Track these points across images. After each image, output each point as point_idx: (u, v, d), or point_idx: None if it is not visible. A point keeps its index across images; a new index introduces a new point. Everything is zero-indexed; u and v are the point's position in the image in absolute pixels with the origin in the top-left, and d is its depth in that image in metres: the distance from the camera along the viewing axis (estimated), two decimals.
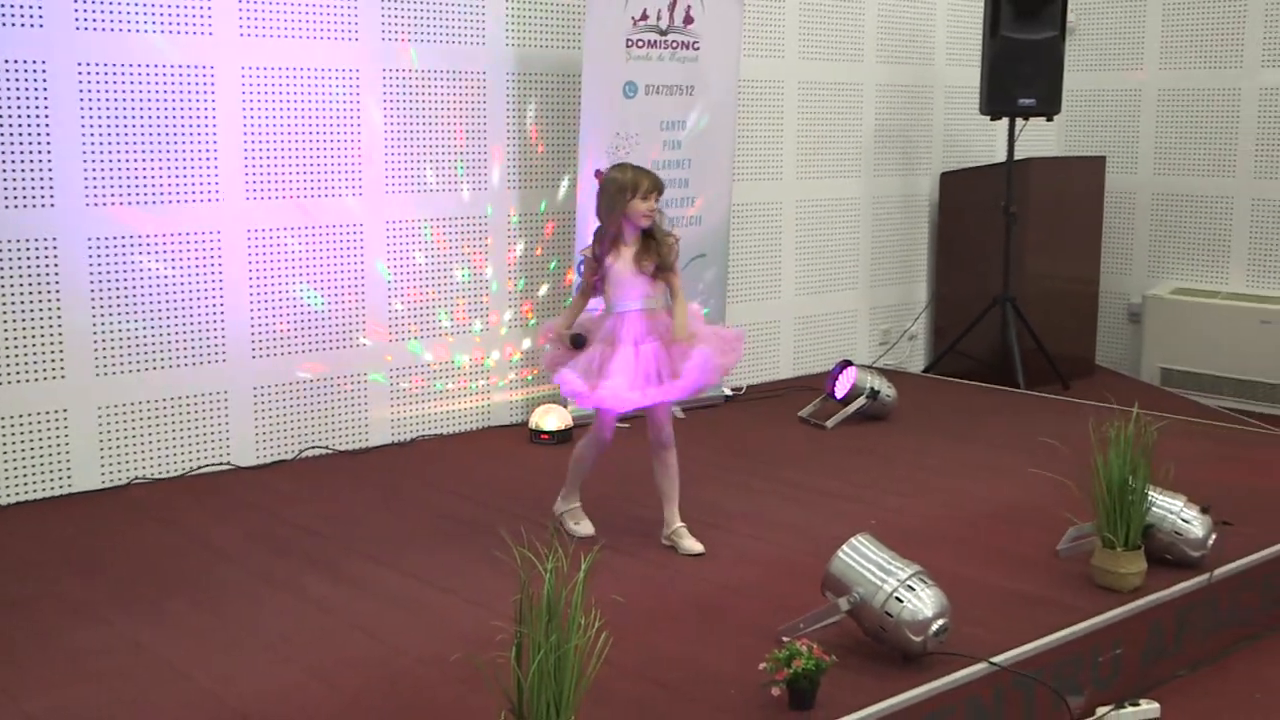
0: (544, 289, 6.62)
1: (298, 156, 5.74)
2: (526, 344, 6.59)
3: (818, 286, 7.95)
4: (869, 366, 7.24)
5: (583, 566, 3.01)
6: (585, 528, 4.76)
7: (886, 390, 6.64)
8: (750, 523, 4.97)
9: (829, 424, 6.51)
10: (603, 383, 4.44)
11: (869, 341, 8.31)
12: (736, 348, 4.51)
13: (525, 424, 6.37)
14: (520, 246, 6.50)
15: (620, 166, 4.55)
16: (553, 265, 6.63)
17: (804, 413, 6.70)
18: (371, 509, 5.14)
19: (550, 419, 6.18)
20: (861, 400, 6.57)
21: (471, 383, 6.43)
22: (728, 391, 7.15)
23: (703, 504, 5.17)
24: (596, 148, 6.21)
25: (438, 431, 6.32)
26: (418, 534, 4.82)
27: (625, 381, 4.44)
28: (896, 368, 8.27)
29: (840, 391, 6.67)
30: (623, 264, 4.49)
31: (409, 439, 6.21)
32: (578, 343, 4.53)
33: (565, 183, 6.60)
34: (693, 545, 4.60)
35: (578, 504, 4.82)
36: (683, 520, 4.67)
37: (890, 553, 3.88)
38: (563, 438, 6.16)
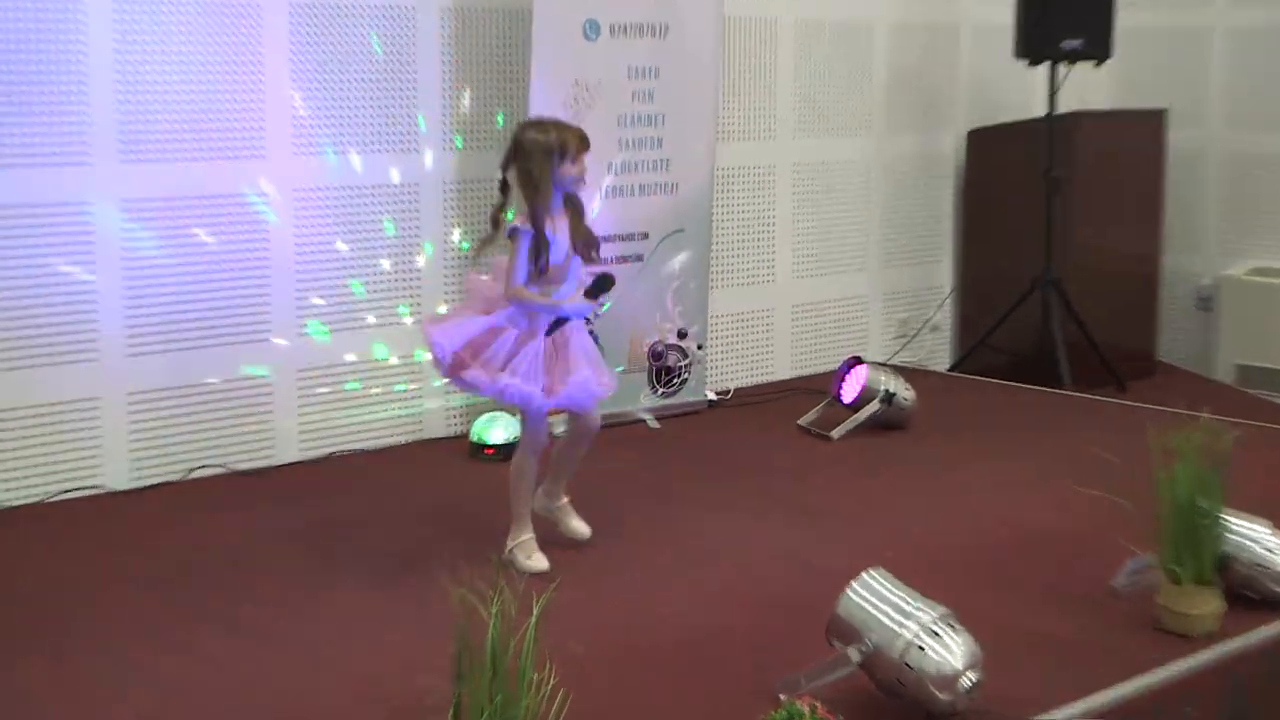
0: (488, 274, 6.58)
1: (183, 109, 5.70)
2: None
3: (820, 268, 7.94)
4: (883, 364, 7.24)
5: (535, 610, 2.99)
6: (538, 562, 4.78)
7: (904, 393, 6.65)
8: (739, 554, 4.96)
9: (835, 434, 6.52)
10: (571, 380, 4.58)
11: (882, 334, 8.31)
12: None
13: (465, 436, 6.35)
14: (460, 219, 6.48)
15: (538, 125, 4.67)
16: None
17: (804, 420, 6.70)
18: (276, 542, 5.11)
19: (496, 430, 6.17)
20: (874, 405, 6.58)
21: (399, 385, 6.41)
22: (711, 395, 7.14)
23: (681, 531, 5.17)
24: (551, 100, 6.18)
25: (357, 446, 6.30)
26: (333, 572, 4.79)
27: (592, 374, 4.62)
28: (916, 365, 8.27)
29: (848, 395, 6.67)
30: (563, 238, 4.64)
31: (322, 455, 6.19)
32: (603, 286, 4.63)
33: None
34: (580, 527, 4.90)
35: (529, 534, 4.85)
36: (602, 533, 4.87)
37: (910, 591, 3.87)
38: (510, 453, 6.06)
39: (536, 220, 4.59)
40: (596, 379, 4.69)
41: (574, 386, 4.61)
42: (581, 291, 4.68)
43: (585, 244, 4.69)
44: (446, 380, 4.79)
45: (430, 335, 4.67)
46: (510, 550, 4.81)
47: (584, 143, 4.63)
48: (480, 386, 4.63)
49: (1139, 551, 4.48)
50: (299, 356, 6.11)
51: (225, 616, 4.41)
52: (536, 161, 4.58)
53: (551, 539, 4.95)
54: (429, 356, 4.80)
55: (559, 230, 4.63)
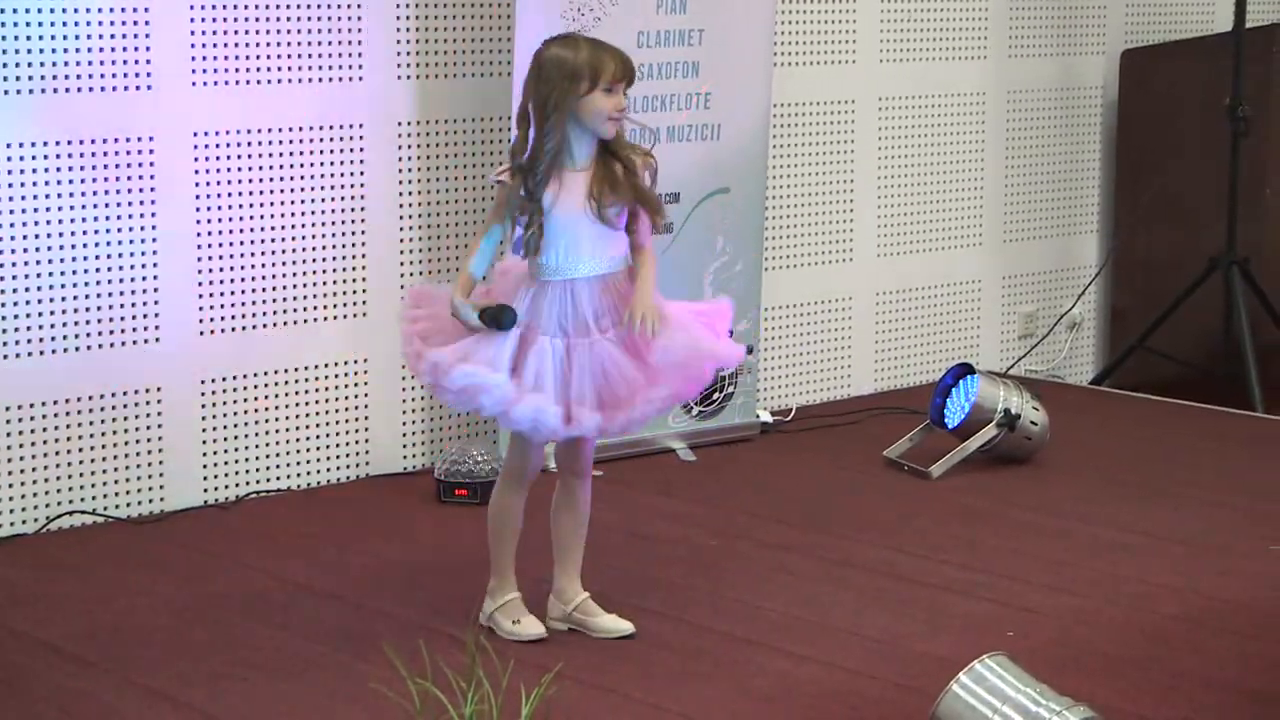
0: (460, 250, 6.61)
1: (35, 27, 5.72)
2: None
3: (916, 243, 7.95)
4: (1002, 375, 7.23)
5: (525, 709, 2.99)
6: (528, 627, 4.84)
7: (1031, 414, 6.65)
8: (805, 636, 4.96)
9: (935, 470, 6.52)
10: (528, 393, 4.59)
11: (1002, 334, 8.30)
12: (723, 335, 4.76)
13: (430, 471, 6.36)
14: (420, 176, 6.48)
15: (567, 40, 4.69)
16: (476, 203, 6.63)
17: (894, 452, 6.71)
18: (166, 614, 5.11)
19: (472, 463, 6.18)
20: (989, 431, 6.58)
21: (340, 405, 6.42)
22: (765, 417, 7.13)
23: (726, 603, 5.16)
24: (541, 17, 6.20)
25: (280, 485, 6.32)
26: (244, 654, 4.78)
27: (552, 395, 4.62)
28: (1048, 377, 8.26)
29: (954, 417, 6.68)
30: (569, 201, 4.65)
31: (232, 499, 6.21)
32: (504, 322, 4.63)
33: (491, 76, 6.59)
34: (615, 624, 4.85)
35: (515, 594, 4.90)
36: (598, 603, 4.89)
37: (1040, 685, 3.87)
38: (490, 494, 6.12)
39: (531, 166, 4.63)
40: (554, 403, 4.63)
41: (528, 403, 4.62)
42: (477, 311, 4.66)
43: (642, 204, 4.69)
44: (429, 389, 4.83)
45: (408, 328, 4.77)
46: (490, 614, 4.85)
47: (625, 69, 4.64)
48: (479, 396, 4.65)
49: None
50: (198, 363, 6.12)
51: (95, 714, 4.39)
52: (555, 87, 4.60)
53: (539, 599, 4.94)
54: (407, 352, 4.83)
55: (565, 191, 4.65)
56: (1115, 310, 8.56)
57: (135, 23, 5.88)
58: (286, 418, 6.31)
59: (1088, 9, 8.38)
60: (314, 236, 6.29)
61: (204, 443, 6.14)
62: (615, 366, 4.66)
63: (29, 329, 5.76)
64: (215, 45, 6.03)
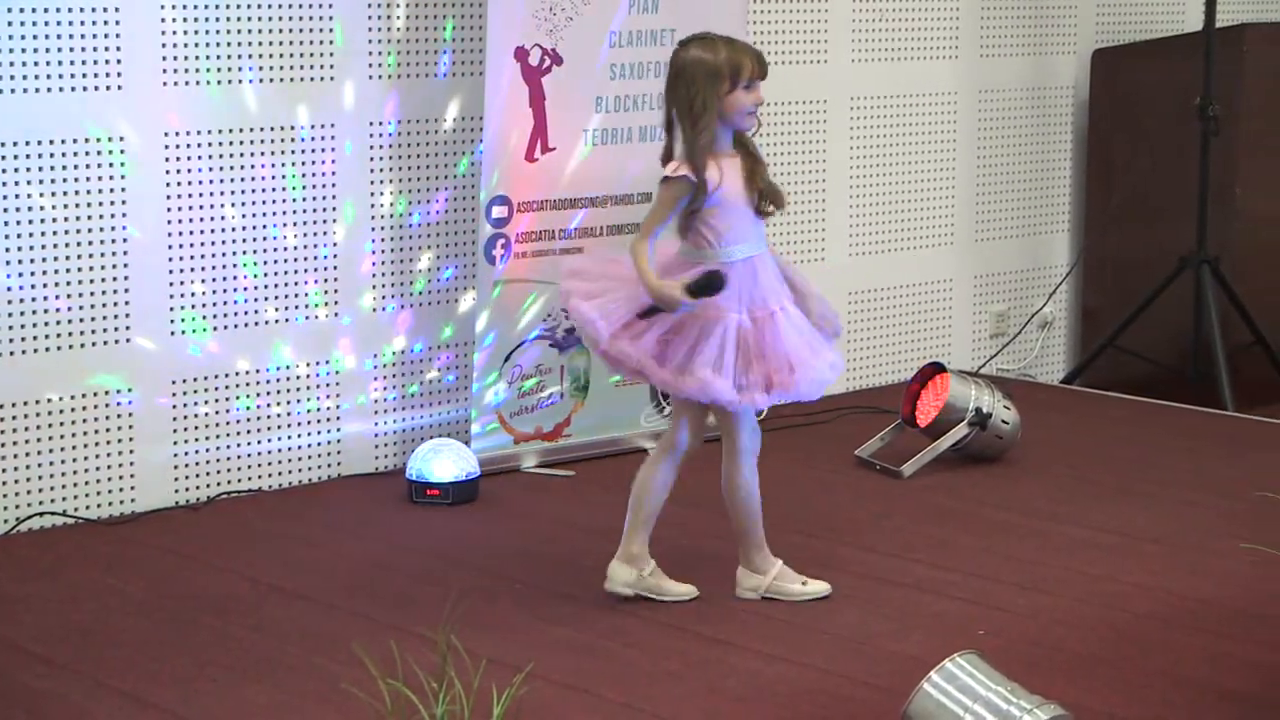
0: (432, 251, 6.60)
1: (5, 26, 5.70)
2: (403, 339, 6.57)
3: (888, 242, 7.94)
4: (973, 374, 7.23)
5: (496, 709, 2.97)
6: (683, 586, 5.19)
7: (1002, 413, 6.65)
8: (772, 631, 4.97)
9: (906, 469, 6.53)
10: (702, 370, 4.88)
11: (973, 333, 8.31)
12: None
13: (401, 472, 6.35)
14: (393, 177, 6.48)
15: (705, 41, 4.99)
16: (449, 202, 6.63)
17: (864, 451, 6.72)
18: (136, 616, 5.11)
19: (441, 463, 6.19)
20: (960, 430, 6.59)
21: (310, 405, 6.40)
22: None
23: (697, 604, 5.17)
24: (513, 18, 6.20)
25: (251, 485, 6.31)
26: (215, 655, 4.78)
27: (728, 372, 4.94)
28: (1019, 375, 8.27)
29: (925, 416, 6.68)
30: (732, 187, 4.96)
31: (202, 499, 6.19)
32: (717, 284, 4.85)
33: (467, 75, 6.60)
34: (814, 586, 5.20)
35: (652, 562, 5.18)
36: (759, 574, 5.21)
37: (1011, 684, 3.87)
38: (463, 494, 6.15)
39: (694, 161, 4.89)
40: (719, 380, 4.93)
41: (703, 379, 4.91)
42: (683, 286, 4.86)
43: (764, 195, 5.00)
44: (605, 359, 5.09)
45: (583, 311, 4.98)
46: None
47: (761, 65, 4.95)
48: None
49: None
50: (169, 364, 6.10)
51: (64, 716, 4.40)
52: (699, 87, 4.89)
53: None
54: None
55: (726, 176, 4.93)
56: (1086, 309, 8.57)
57: (105, 22, 5.86)
58: (257, 418, 6.28)
59: (1058, 9, 8.38)
60: (281, 237, 6.27)
61: (175, 443, 6.12)
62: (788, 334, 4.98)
63: None
64: (187, 45, 6.02)
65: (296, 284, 6.33)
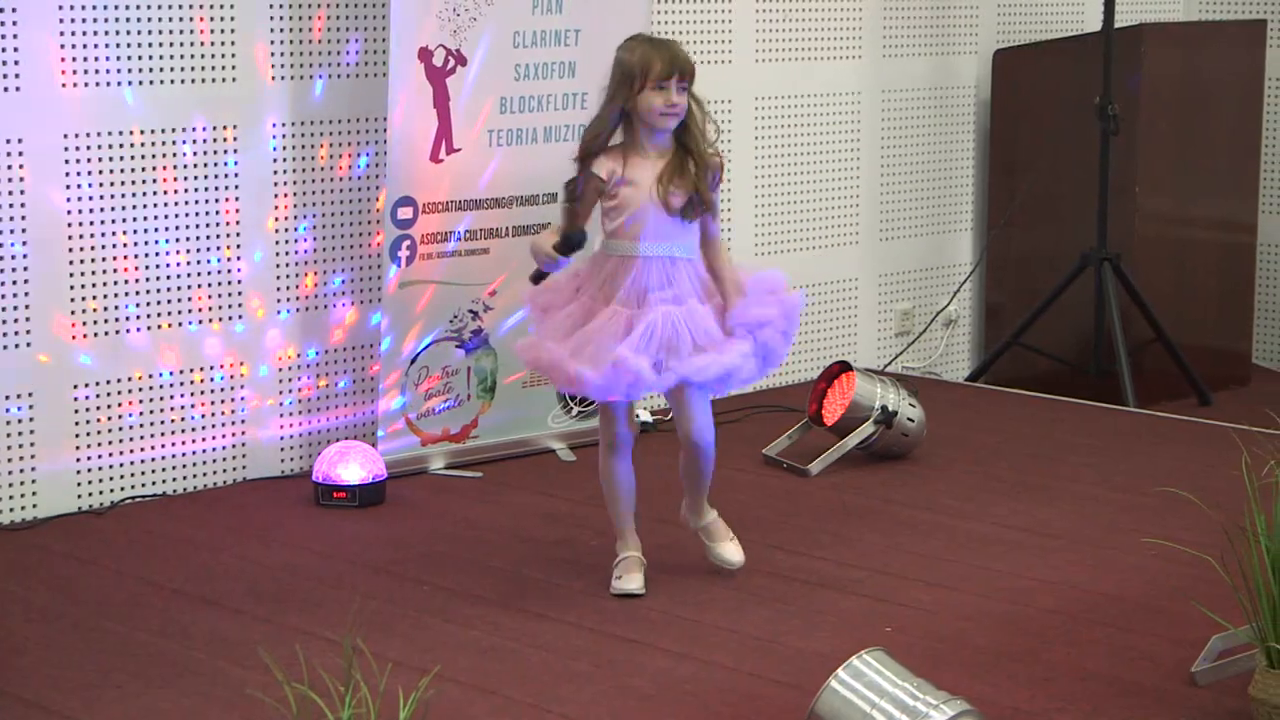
0: (337, 252, 6.57)
1: None
2: (309, 343, 6.55)
3: (792, 241, 7.96)
4: (878, 372, 7.26)
5: (403, 712, 3.03)
6: (627, 583, 5.24)
7: (908, 410, 6.68)
8: (679, 629, 4.97)
9: (813, 467, 6.54)
10: (595, 355, 4.98)
11: (878, 331, 8.33)
12: (794, 320, 5.29)
13: (308, 475, 6.33)
14: (298, 172, 6.45)
15: (631, 42, 5.14)
16: (360, 201, 6.60)
17: (772, 450, 6.73)
18: (39, 623, 5.07)
19: (349, 466, 6.17)
20: (866, 429, 6.61)
21: (216, 407, 6.37)
22: (645, 416, 7.12)
23: (602, 603, 5.17)
24: (416, 18, 6.18)
25: (155, 490, 6.28)
26: (119, 661, 4.75)
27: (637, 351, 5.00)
28: (924, 373, 8.30)
29: (831, 414, 6.69)
30: (639, 184, 5.09)
31: (105, 505, 6.15)
32: (572, 241, 5.06)
33: (368, 76, 6.58)
34: (730, 553, 5.38)
35: (630, 553, 5.31)
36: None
37: (918, 680, 3.88)
38: (369, 497, 6.14)
39: (584, 153, 5.09)
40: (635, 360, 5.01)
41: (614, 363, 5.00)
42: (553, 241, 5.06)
43: (691, 202, 5.09)
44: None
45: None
46: (612, 566, 5.29)
47: (673, 66, 5.01)
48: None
49: (1228, 625, 4.48)
50: (70, 369, 6.06)
51: None
52: (612, 86, 5.08)
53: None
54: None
55: (630, 172, 5.06)
56: (990, 307, 8.61)
57: (3, 23, 5.82)
58: (161, 422, 6.25)
59: (960, 9, 8.43)
60: (186, 239, 6.23)
61: (77, 448, 6.07)
62: (691, 322, 5.09)
63: None
64: (84, 46, 5.98)
65: (195, 288, 6.28)
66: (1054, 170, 8.24)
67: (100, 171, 6.04)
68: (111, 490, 6.17)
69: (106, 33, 6.01)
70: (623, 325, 5.03)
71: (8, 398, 5.92)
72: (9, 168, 5.85)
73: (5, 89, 5.83)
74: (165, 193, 6.18)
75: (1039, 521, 5.96)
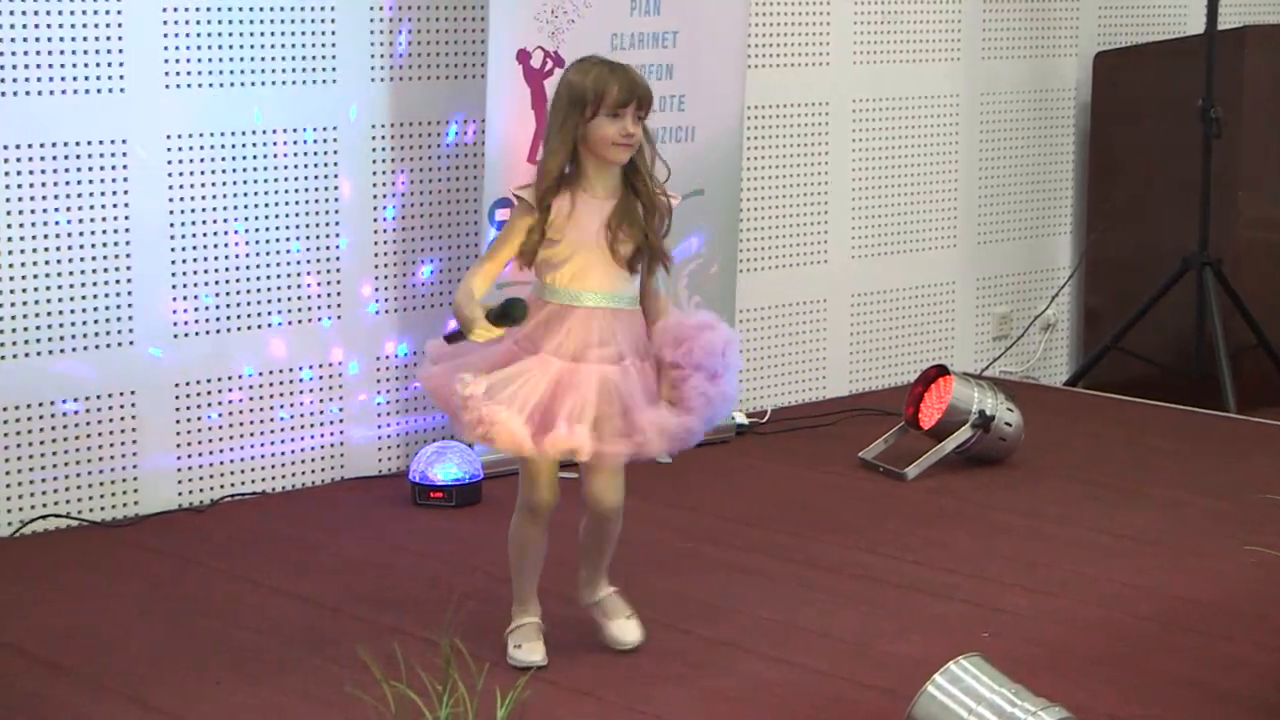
0: (436, 253, 6.60)
1: (10, 30, 5.70)
2: (406, 343, 6.58)
3: (890, 244, 7.94)
4: (976, 377, 7.23)
5: (500, 711, 2.98)
6: (528, 653, 4.73)
7: (1006, 415, 6.65)
8: (771, 633, 4.96)
9: (910, 471, 6.53)
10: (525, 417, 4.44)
11: (976, 335, 8.30)
12: (729, 364, 4.66)
13: (404, 474, 6.35)
14: (397, 180, 6.48)
15: (583, 64, 4.58)
16: (452, 208, 6.63)
17: (868, 453, 6.72)
18: (139, 619, 5.11)
19: (445, 466, 6.19)
20: (964, 433, 6.59)
21: (314, 407, 6.41)
22: (741, 419, 7.12)
23: (699, 608, 5.15)
24: (515, 21, 6.19)
25: (254, 489, 6.32)
26: (217, 659, 4.78)
27: (575, 418, 4.47)
28: (1022, 378, 8.26)
29: (928, 419, 6.68)
30: (582, 223, 4.54)
31: (206, 502, 6.20)
32: (516, 314, 4.48)
33: (466, 78, 6.60)
34: (626, 632, 4.78)
35: (529, 619, 4.80)
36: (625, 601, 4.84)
37: (1015, 686, 3.87)
38: (466, 497, 6.16)
39: (537, 185, 4.53)
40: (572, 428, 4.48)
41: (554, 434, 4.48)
42: (483, 310, 4.51)
43: (640, 250, 4.57)
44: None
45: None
46: (505, 635, 4.79)
47: (631, 94, 4.48)
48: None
49: None
50: (173, 368, 6.11)
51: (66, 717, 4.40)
52: (560, 110, 4.52)
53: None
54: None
55: (577, 212, 4.53)
56: (1089, 311, 8.57)
57: (109, 25, 5.86)
58: (262, 421, 6.29)
59: (1060, 11, 8.38)
60: (288, 239, 6.27)
61: (178, 446, 6.12)
62: (626, 384, 4.54)
63: (2, 333, 5.73)
64: (189, 49, 6.02)
65: (299, 287, 6.32)
66: (1154, 174, 8.19)
67: (202, 172, 6.09)
68: (211, 488, 6.21)
69: (209, 35, 6.05)
70: (552, 377, 4.49)
71: (110, 396, 5.97)
72: (113, 169, 5.90)
73: (110, 90, 5.88)
74: (266, 193, 6.22)
75: (1136, 527, 5.93)
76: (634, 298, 4.62)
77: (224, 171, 6.13)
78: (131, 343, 6.00)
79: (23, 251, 5.75)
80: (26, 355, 5.80)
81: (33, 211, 5.76)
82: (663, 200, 4.61)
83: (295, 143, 6.27)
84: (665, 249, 4.63)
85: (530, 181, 4.59)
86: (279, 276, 6.27)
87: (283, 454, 6.36)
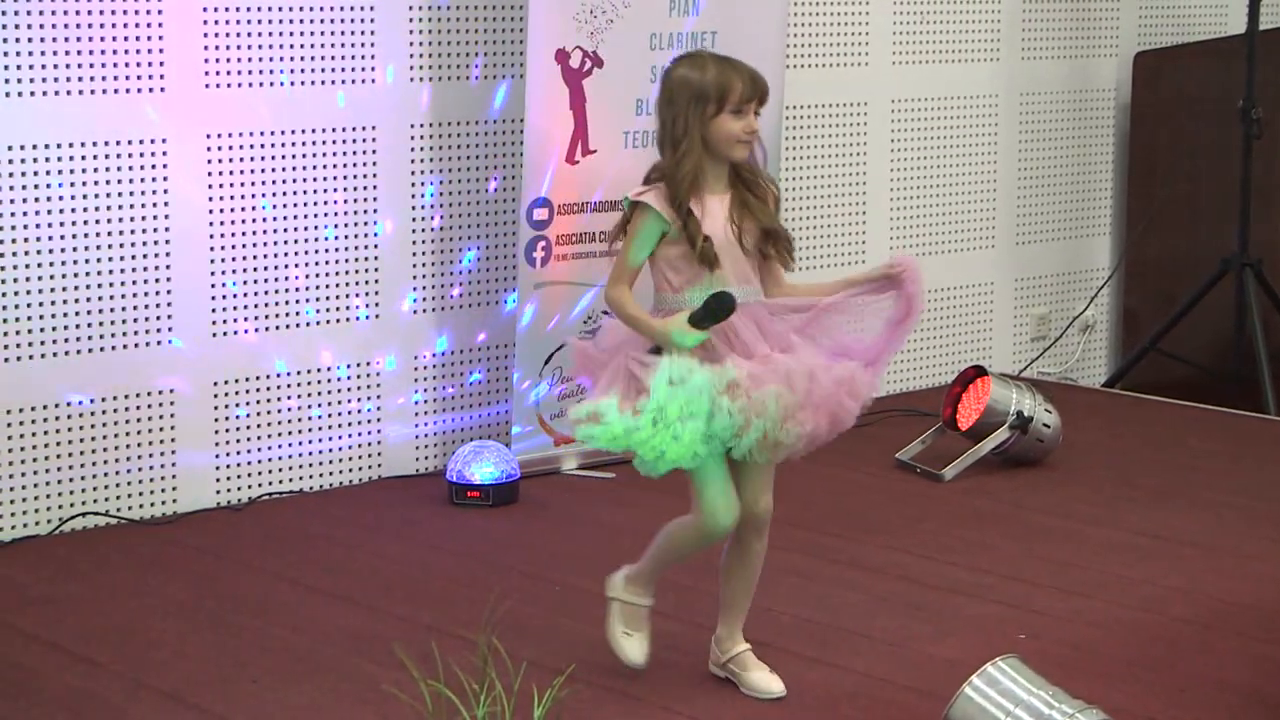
0: (472, 252, 6.61)
1: (51, 30, 5.71)
2: (443, 341, 6.58)
3: (929, 245, 7.93)
4: (1014, 378, 7.22)
5: (537, 711, 2.98)
6: (631, 650, 4.61)
7: (1044, 416, 6.64)
8: (810, 634, 4.97)
9: (947, 472, 6.52)
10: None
11: (1014, 336, 8.30)
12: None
13: (442, 474, 6.36)
14: (433, 178, 6.49)
15: (694, 59, 4.46)
16: (490, 206, 6.63)
17: (905, 454, 6.72)
18: (177, 617, 5.12)
19: (484, 466, 6.20)
20: (1002, 434, 6.58)
21: (351, 405, 6.42)
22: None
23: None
24: (554, 20, 6.20)
25: (292, 487, 6.33)
26: (254, 657, 4.79)
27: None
28: (1060, 379, 8.24)
29: (966, 419, 6.67)
30: (713, 222, 4.40)
31: (243, 501, 6.22)
32: (726, 306, 4.27)
33: (504, 79, 6.59)
34: (768, 682, 4.53)
35: (647, 600, 4.64)
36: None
37: (1053, 688, 3.87)
38: (504, 496, 6.16)
39: (673, 189, 4.38)
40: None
41: None
42: (685, 317, 4.32)
43: (766, 237, 4.44)
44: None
45: None
46: (617, 594, 4.62)
47: (755, 87, 4.39)
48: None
49: None
50: (211, 365, 6.12)
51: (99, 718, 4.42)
52: (680, 108, 4.38)
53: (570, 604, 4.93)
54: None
55: (709, 210, 4.39)
56: (1128, 312, 8.55)
57: (149, 25, 5.88)
58: (299, 419, 6.30)
59: (1100, 11, 8.37)
60: (324, 239, 6.28)
61: (216, 444, 6.13)
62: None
63: (41, 330, 5.75)
64: (228, 48, 6.03)
65: (337, 285, 6.34)
66: (1194, 174, 8.17)
67: (241, 171, 6.10)
68: (249, 486, 6.23)
69: (249, 34, 6.06)
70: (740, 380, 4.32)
71: (149, 393, 5.99)
72: (153, 167, 5.92)
73: (150, 89, 5.89)
74: (304, 193, 6.23)
75: (1174, 529, 5.91)
76: (758, 289, 4.48)
77: (263, 170, 6.14)
78: (170, 341, 6.02)
79: (62, 250, 5.77)
80: (65, 354, 5.82)
81: (72, 210, 5.77)
82: (771, 188, 4.50)
83: (334, 142, 6.28)
84: (786, 231, 4.49)
85: (649, 187, 4.43)
86: (317, 275, 6.29)
87: (320, 452, 6.37)
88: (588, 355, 4.55)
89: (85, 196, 5.80)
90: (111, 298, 5.88)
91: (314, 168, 6.25)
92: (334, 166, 6.29)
